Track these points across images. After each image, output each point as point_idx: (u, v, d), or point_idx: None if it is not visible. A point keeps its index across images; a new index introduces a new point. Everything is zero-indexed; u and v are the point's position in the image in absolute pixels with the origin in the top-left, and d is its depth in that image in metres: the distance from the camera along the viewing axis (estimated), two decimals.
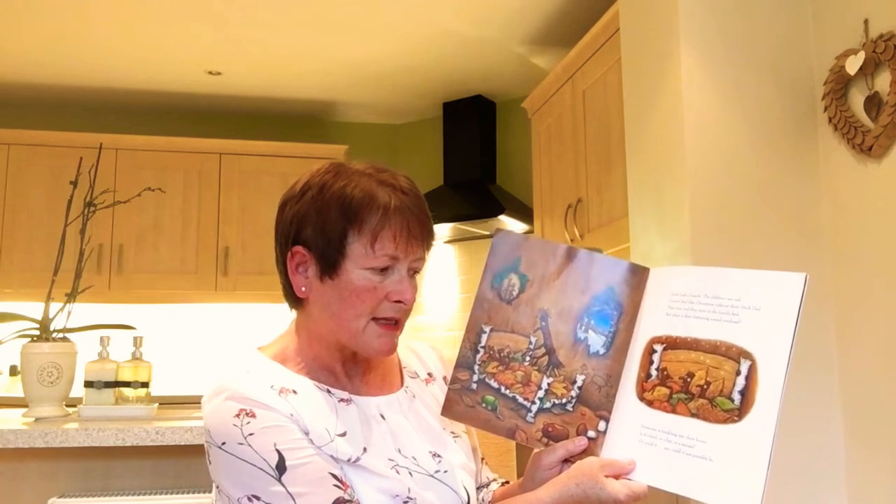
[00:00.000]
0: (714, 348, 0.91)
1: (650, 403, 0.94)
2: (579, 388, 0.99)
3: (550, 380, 1.00)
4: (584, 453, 0.98)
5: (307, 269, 1.05)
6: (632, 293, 0.99)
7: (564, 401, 0.99)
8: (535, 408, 1.01)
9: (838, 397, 2.06)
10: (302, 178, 1.08)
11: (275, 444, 0.96)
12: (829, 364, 2.08)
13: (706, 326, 0.92)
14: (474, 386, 1.03)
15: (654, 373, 0.95)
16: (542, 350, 1.01)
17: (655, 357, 0.95)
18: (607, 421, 0.97)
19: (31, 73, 4.10)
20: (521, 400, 1.01)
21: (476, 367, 1.03)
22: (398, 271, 1.03)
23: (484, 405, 1.02)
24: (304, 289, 1.06)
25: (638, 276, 1.00)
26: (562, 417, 0.99)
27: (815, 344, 2.08)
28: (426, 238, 1.05)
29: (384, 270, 1.02)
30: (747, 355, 0.89)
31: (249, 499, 0.96)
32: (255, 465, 0.95)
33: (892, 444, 1.89)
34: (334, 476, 0.96)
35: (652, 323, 0.97)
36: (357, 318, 1.02)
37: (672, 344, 0.94)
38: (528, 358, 1.01)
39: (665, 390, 0.93)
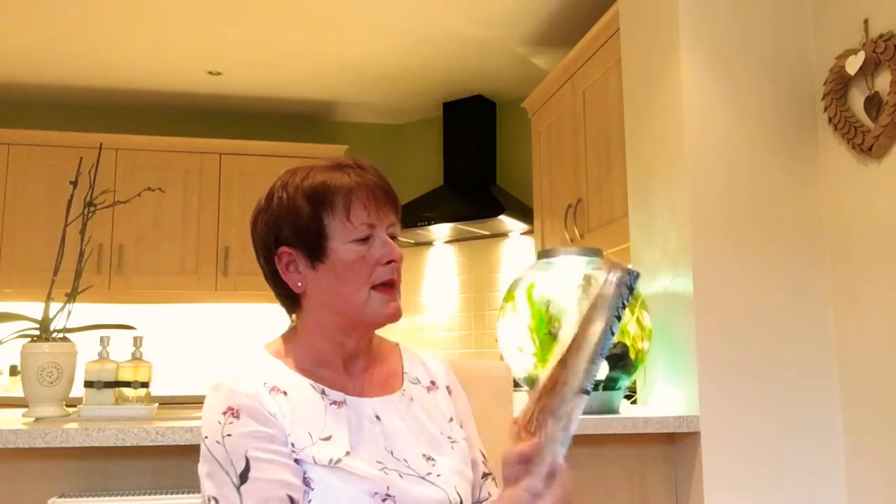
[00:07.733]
0: None
1: None
2: None
3: None
4: None
5: (297, 265, 1.09)
6: None
7: None
8: None
9: (838, 397, 2.06)
10: (263, 194, 1.14)
11: (246, 452, 0.98)
12: (828, 363, 2.07)
13: None
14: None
15: None
16: None
17: None
18: None
19: (32, 73, 4.10)
20: None
21: None
22: (378, 237, 1.09)
23: None
24: (300, 284, 1.09)
25: None
26: None
27: (815, 343, 2.08)
28: (393, 203, 1.12)
29: (366, 240, 1.08)
30: None
31: (209, 500, 0.99)
32: (223, 468, 0.98)
33: (892, 442, 1.89)
34: (291, 498, 0.97)
35: None
36: (358, 291, 1.07)
37: None
38: None
39: None
